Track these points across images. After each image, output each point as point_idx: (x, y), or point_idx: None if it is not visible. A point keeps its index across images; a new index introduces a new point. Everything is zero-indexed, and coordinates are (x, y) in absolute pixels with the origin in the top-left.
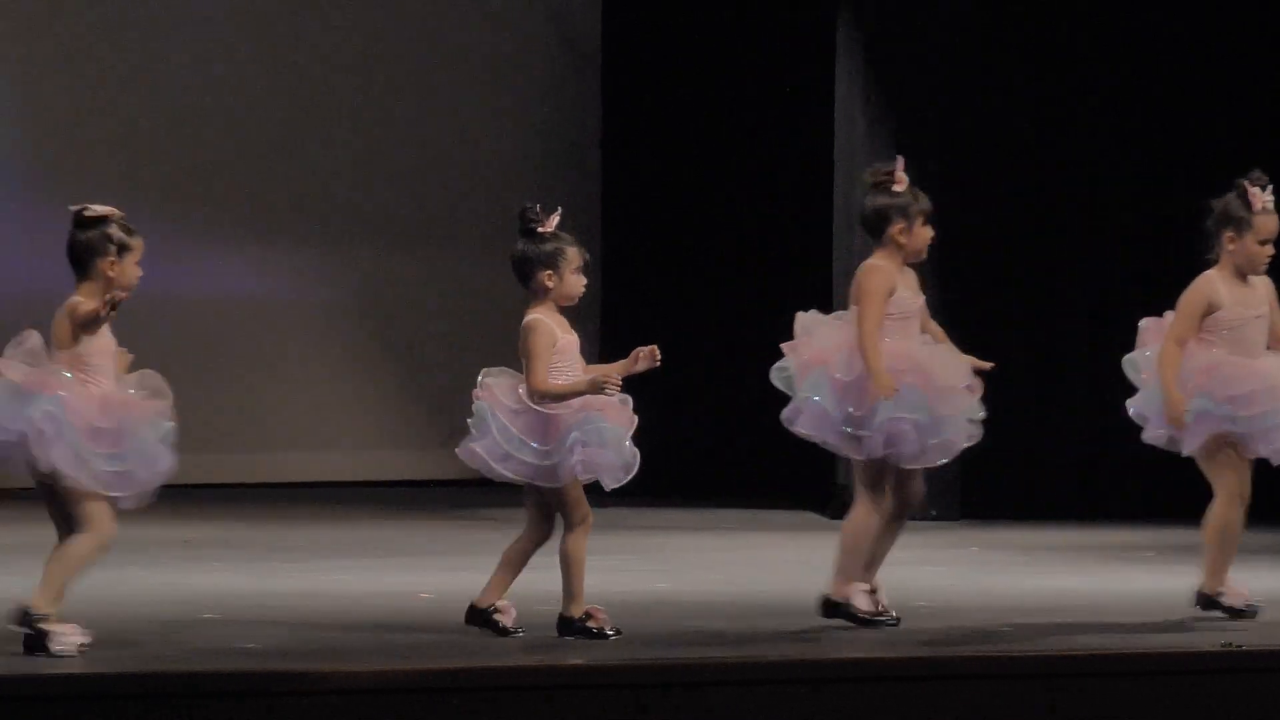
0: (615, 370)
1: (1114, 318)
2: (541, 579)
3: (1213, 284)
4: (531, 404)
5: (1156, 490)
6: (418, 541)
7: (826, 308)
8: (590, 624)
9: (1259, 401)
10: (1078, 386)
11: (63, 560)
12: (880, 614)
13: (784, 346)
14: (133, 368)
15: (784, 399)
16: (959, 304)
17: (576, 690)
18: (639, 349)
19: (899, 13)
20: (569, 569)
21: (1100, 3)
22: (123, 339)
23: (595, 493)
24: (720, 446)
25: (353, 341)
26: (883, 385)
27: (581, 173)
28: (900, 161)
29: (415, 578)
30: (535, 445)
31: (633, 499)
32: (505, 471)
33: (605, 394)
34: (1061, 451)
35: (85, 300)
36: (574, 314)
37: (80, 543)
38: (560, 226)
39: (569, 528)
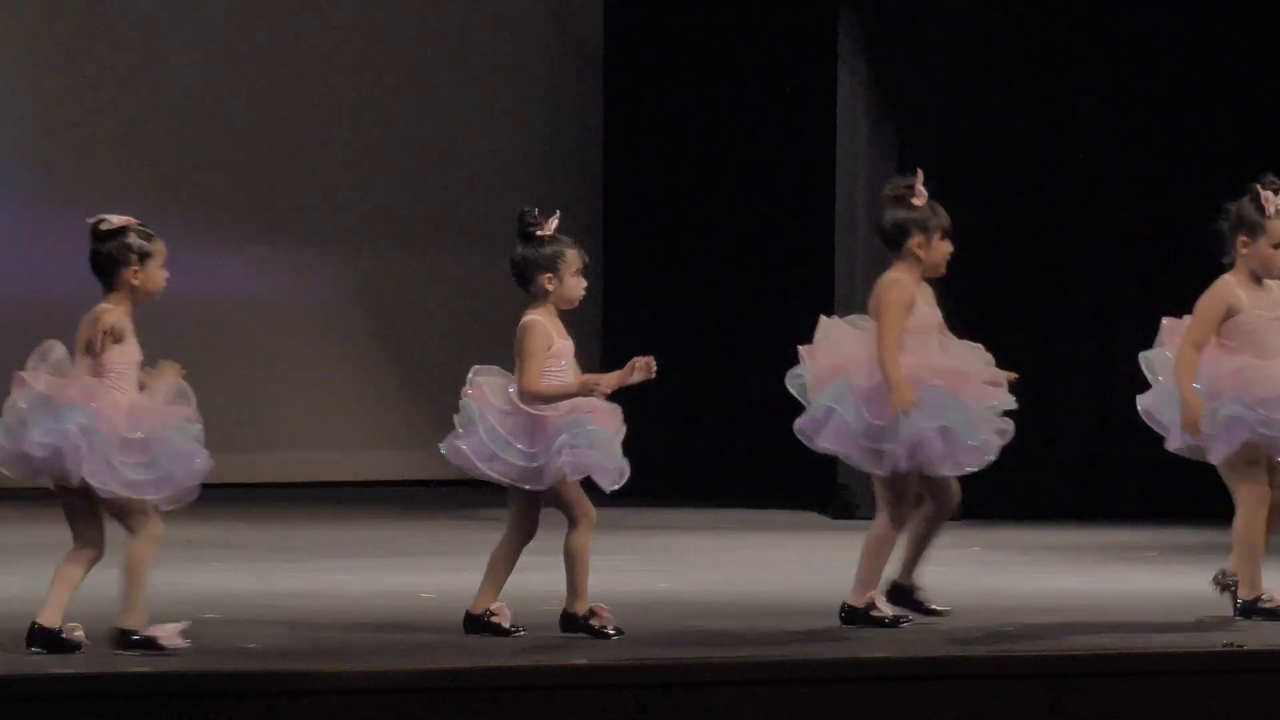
0: (609, 379)
1: (1115, 318)
2: (541, 579)
3: (1230, 288)
4: (521, 405)
5: (1156, 490)
6: (418, 541)
7: (827, 308)
8: (593, 621)
9: None
10: (1078, 386)
11: (133, 574)
12: (902, 617)
13: (802, 350)
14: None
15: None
16: (959, 304)
17: (577, 690)
18: (635, 359)
19: (900, 13)
20: (573, 566)
21: (1100, 3)
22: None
23: (595, 493)
24: (720, 446)
25: (353, 341)
26: (902, 399)
27: (582, 173)
28: (919, 175)
29: (415, 578)
30: (522, 447)
31: (633, 499)
32: (490, 472)
33: (595, 394)
34: (1061, 451)
35: (111, 309)
36: (574, 314)
37: (136, 549)
38: (560, 228)
39: (572, 525)
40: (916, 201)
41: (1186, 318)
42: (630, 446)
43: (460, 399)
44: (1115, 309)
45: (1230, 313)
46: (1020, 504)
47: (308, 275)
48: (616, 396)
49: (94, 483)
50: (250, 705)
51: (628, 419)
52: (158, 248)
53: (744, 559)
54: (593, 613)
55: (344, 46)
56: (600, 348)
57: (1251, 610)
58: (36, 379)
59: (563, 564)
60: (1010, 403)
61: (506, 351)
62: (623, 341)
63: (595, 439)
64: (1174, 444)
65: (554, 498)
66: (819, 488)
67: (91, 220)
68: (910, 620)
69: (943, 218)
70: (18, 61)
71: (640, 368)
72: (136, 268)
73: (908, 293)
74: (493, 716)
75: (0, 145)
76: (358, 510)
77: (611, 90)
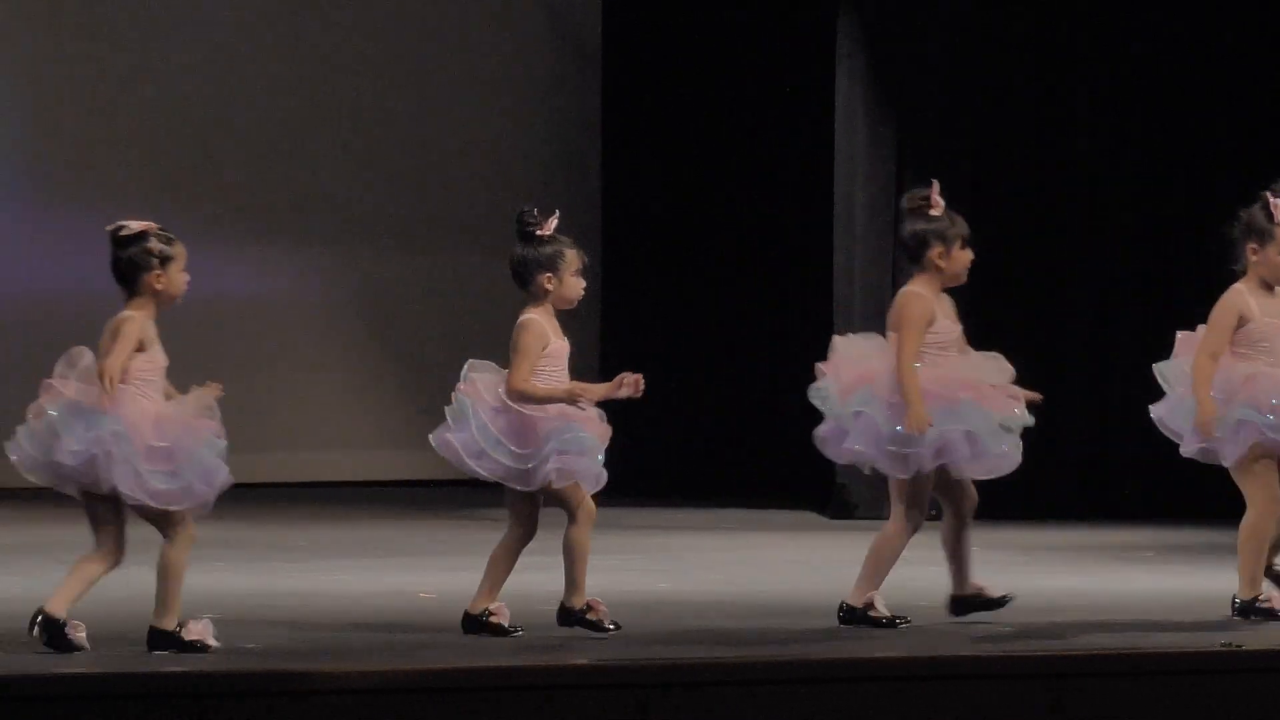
0: (596, 390)
1: (1115, 318)
2: (541, 579)
3: (1242, 296)
4: (508, 401)
5: (1156, 490)
6: (418, 541)
7: (826, 308)
8: (590, 615)
9: None
10: (1078, 387)
11: (168, 576)
12: (900, 618)
13: (820, 367)
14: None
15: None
16: (959, 304)
17: (576, 690)
18: (624, 375)
19: (899, 13)
20: (571, 559)
21: (1100, 3)
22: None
23: (596, 492)
24: (720, 446)
25: (353, 341)
26: (917, 418)
27: (582, 173)
28: (935, 186)
29: (415, 578)
30: (512, 447)
31: (633, 499)
32: (478, 468)
33: (579, 406)
34: (1061, 451)
35: (133, 317)
36: (573, 313)
37: (171, 553)
38: (559, 228)
39: (571, 520)
40: (934, 212)
41: (1201, 328)
42: (630, 447)
43: (454, 393)
44: (1115, 309)
45: (1242, 321)
46: (1020, 504)
47: (308, 275)
48: (605, 403)
49: (122, 490)
50: (250, 705)
51: (627, 419)
52: (178, 251)
53: (744, 559)
54: (589, 607)
55: (344, 46)
56: (598, 348)
57: (1250, 610)
58: (66, 387)
59: (560, 563)
60: (1027, 420)
61: (506, 351)
62: (621, 342)
63: (585, 445)
64: (1188, 449)
65: (552, 495)
66: (818, 488)
67: (111, 227)
68: (908, 622)
69: (961, 226)
70: (18, 61)
71: (629, 384)
72: (158, 272)
73: (928, 307)
74: (493, 716)
75: (0, 145)
76: (358, 510)
77: (610, 90)
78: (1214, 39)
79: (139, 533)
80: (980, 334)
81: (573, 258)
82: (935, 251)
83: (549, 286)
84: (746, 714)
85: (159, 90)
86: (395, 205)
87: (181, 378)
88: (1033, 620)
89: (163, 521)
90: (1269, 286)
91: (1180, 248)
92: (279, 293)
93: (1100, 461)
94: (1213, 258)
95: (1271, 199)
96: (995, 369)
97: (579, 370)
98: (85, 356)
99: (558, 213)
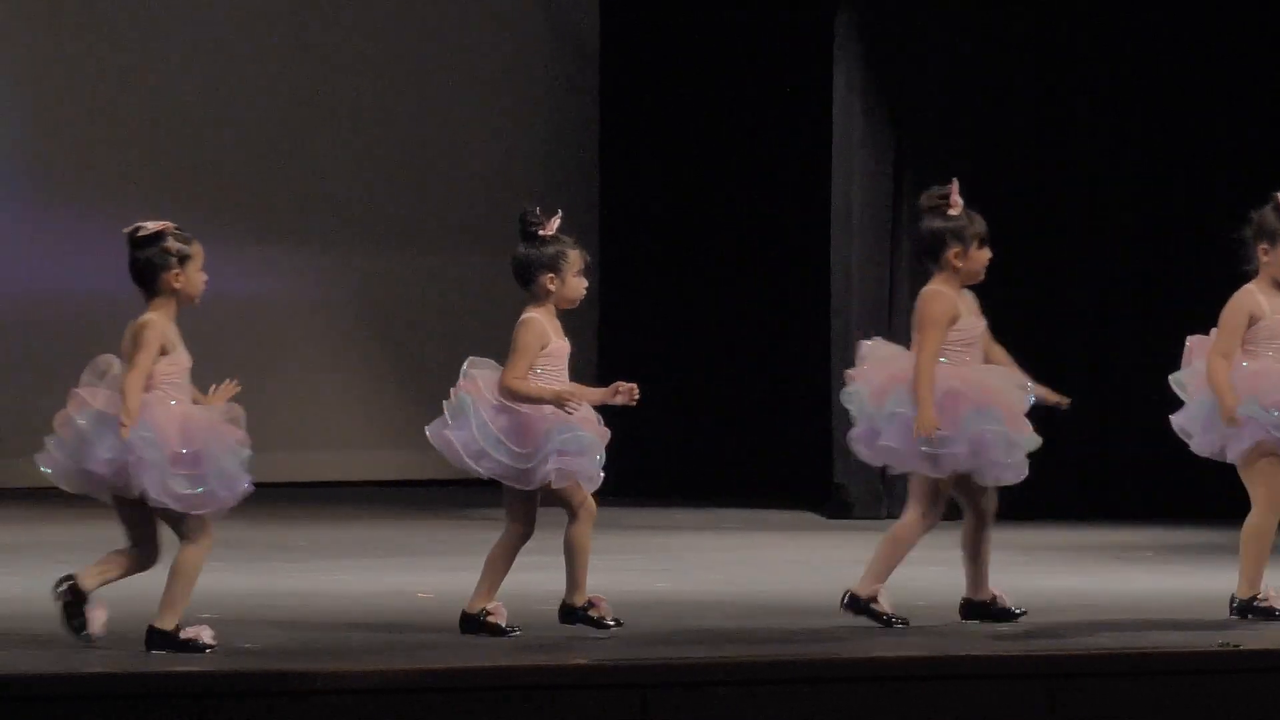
0: (591, 395)
1: (1114, 318)
2: (540, 578)
3: (1252, 296)
4: (501, 398)
5: (1156, 490)
6: (418, 541)
7: (824, 307)
8: (592, 612)
9: None
10: (1078, 387)
11: (181, 577)
12: (900, 618)
13: (850, 373)
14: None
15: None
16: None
17: (577, 690)
18: (619, 383)
19: (897, 12)
20: (572, 557)
21: (1100, 3)
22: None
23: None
24: (720, 446)
25: (353, 341)
26: (926, 421)
27: (580, 172)
28: (954, 184)
29: (415, 578)
30: (513, 447)
31: (633, 499)
32: (477, 468)
33: (565, 410)
34: (1061, 451)
35: (154, 321)
36: (571, 312)
37: (189, 555)
38: (561, 228)
39: (572, 518)
40: (952, 211)
41: (1213, 331)
42: (630, 447)
43: (453, 389)
44: (1115, 309)
45: (1252, 320)
46: (1020, 504)
47: (308, 275)
48: (600, 407)
49: (149, 493)
50: (250, 705)
51: (626, 419)
52: (196, 250)
53: (744, 559)
54: (591, 604)
55: (344, 46)
56: (596, 348)
57: (1248, 609)
58: (94, 396)
59: (559, 563)
60: (1037, 442)
61: (506, 350)
62: (619, 341)
63: (584, 445)
64: (1198, 445)
65: (551, 494)
66: (816, 488)
67: (128, 229)
68: (906, 624)
69: (979, 225)
70: (18, 61)
71: (624, 392)
72: (177, 271)
73: (950, 307)
74: (493, 716)
75: (0, 145)
76: (357, 510)
77: (609, 90)
78: (1214, 39)
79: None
80: None
81: (575, 258)
82: (953, 251)
83: (551, 286)
84: (746, 714)
85: (159, 90)
86: (395, 205)
87: None
88: (1033, 620)
89: (182, 524)
90: (1279, 286)
91: (1180, 248)
92: (279, 293)
93: (1100, 461)
94: (1214, 258)
95: None
96: (1016, 387)
97: (576, 370)
98: (113, 365)
99: (560, 212)
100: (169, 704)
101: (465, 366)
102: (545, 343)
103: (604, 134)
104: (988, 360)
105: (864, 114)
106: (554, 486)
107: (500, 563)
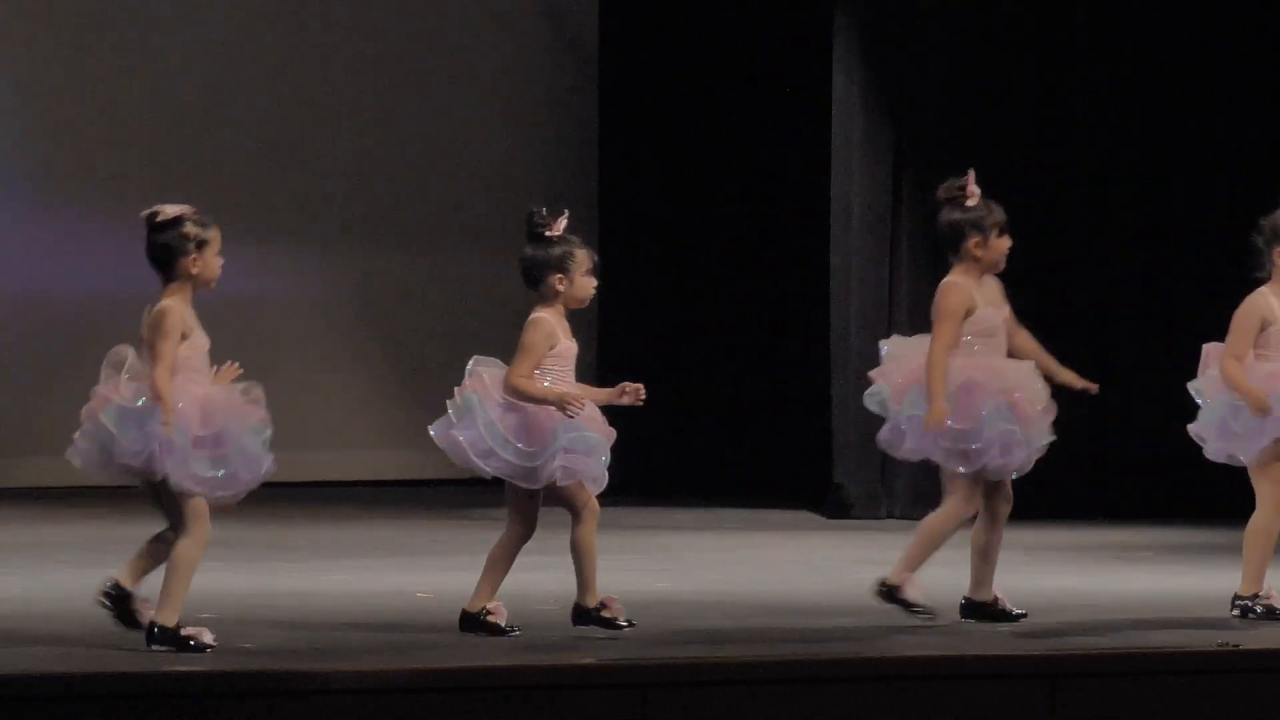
0: (597, 396)
1: (1114, 318)
2: (540, 578)
3: (1265, 299)
4: (506, 395)
5: (1156, 490)
6: (418, 541)
7: (823, 307)
8: (605, 613)
9: None
10: None
11: (177, 571)
12: (927, 609)
13: (873, 374)
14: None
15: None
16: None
17: (577, 690)
18: (626, 384)
19: (898, 12)
20: (580, 559)
21: (1100, 3)
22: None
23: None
24: (720, 446)
25: (352, 341)
26: (936, 413)
27: (580, 173)
28: (971, 175)
29: (415, 578)
30: (520, 446)
31: (633, 499)
32: (485, 466)
33: (566, 414)
34: (1062, 451)
35: (172, 308)
36: (571, 313)
37: (184, 549)
38: (568, 228)
39: (576, 519)
40: (970, 202)
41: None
42: (630, 447)
43: (458, 388)
44: (1115, 309)
45: (1265, 324)
46: (1019, 504)
47: (307, 275)
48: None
49: (171, 477)
50: (250, 705)
51: (626, 419)
52: (214, 235)
53: (744, 559)
54: (603, 605)
55: (344, 46)
56: (597, 347)
57: (1249, 608)
58: (113, 390)
59: (558, 563)
60: (1048, 436)
61: (507, 351)
62: (619, 342)
63: (591, 445)
64: (1211, 451)
65: (556, 494)
66: (815, 487)
67: (146, 212)
68: (933, 617)
69: (998, 214)
70: (18, 61)
71: (630, 392)
72: (195, 255)
73: (966, 298)
74: (493, 716)
75: (0, 145)
76: (357, 510)
77: (608, 90)
78: (1214, 39)
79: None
80: None
81: (583, 257)
82: (973, 241)
83: (560, 287)
84: (746, 714)
85: (159, 90)
86: (395, 205)
87: None
88: (1033, 620)
89: (185, 516)
90: None
91: (1180, 248)
92: (279, 293)
93: (1100, 461)
94: (1214, 258)
95: None
96: (1036, 382)
97: (577, 370)
98: (128, 355)
99: (567, 212)
100: (169, 704)
101: (470, 365)
102: (554, 343)
103: (604, 134)
104: (1013, 348)
105: (864, 113)
106: (559, 484)
107: (501, 562)
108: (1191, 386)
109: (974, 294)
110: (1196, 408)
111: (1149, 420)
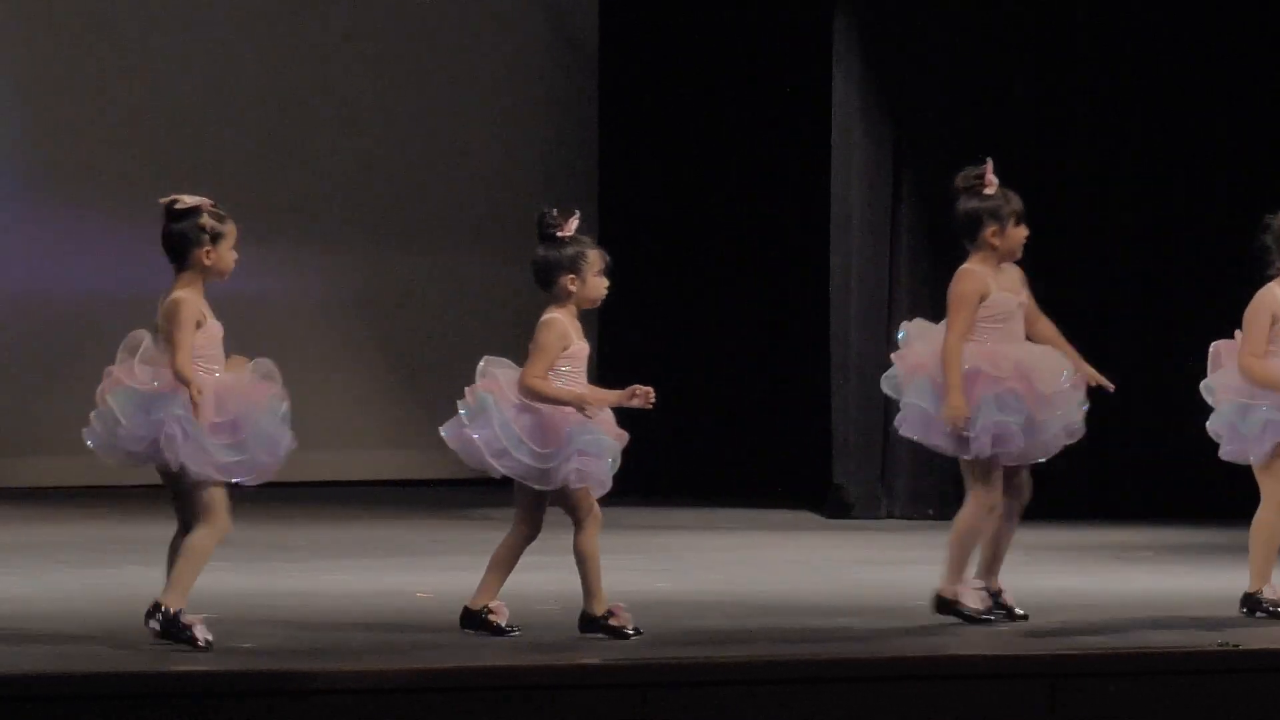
0: (607, 398)
1: (1114, 318)
2: (541, 579)
3: (1274, 295)
4: (521, 396)
5: (1156, 490)
6: (418, 541)
7: (823, 307)
8: (613, 621)
9: None
10: None
11: (188, 558)
12: (989, 613)
13: (893, 356)
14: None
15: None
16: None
17: (577, 690)
18: (636, 386)
19: (898, 12)
20: (585, 566)
21: (1100, 3)
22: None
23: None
24: (720, 446)
25: (352, 341)
26: (955, 407)
27: (580, 173)
28: (989, 164)
29: (415, 578)
30: (534, 447)
31: (633, 499)
32: (499, 466)
33: (585, 414)
34: (1062, 451)
35: (186, 299)
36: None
37: (201, 537)
38: (578, 229)
39: (579, 526)
40: (988, 190)
41: (1238, 334)
42: (630, 447)
43: (469, 389)
44: (1114, 309)
45: (1275, 319)
46: None
47: (307, 275)
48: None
49: (192, 467)
50: (250, 705)
51: (626, 419)
52: (229, 229)
53: (744, 559)
54: (611, 613)
55: (344, 47)
56: (596, 348)
57: (1256, 605)
58: (126, 373)
59: (559, 563)
60: (1083, 408)
61: (507, 351)
62: (619, 342)
63: (603, 448)
64: (1225, 451)
65: (561, 498)
66: (815, 487)
67: (165, 200)
68: (993, 619)
69: (1015, 202)
70: (18, 61)
71: (640, 395)
72: (209, 248)
73: (979, 285)
74: (493, 716)
75: (0, 145)
76: (358, 510)
77: (608, 90)
78: (1214, 39)
79: (133, 533)
80: None
81: (595, 258)
82: (990, 230)
83: (572, 287)
84: (746, 714)
85: (159, 90)
86: (395, 205)
87: None
88: (1033, 620)
89: (202, 507)
90: None
91: (1180, 248)
92: (279, 293)
93: (1100, 461)
94: (1213, 258)
95: None
96: (1052, 365)
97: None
98: (144, 340)
99: (578, 213)
100: (169, 704)
101: (482, 365)
102: (567, 344)
103: (604, 134)
104: (1034, 336)
105: (863, 113)
106: (573, 487)
107: (505, 562)
108: (1203, 386)
109: (989, 280)
110: (1196, 407)
111: (1149, 420)
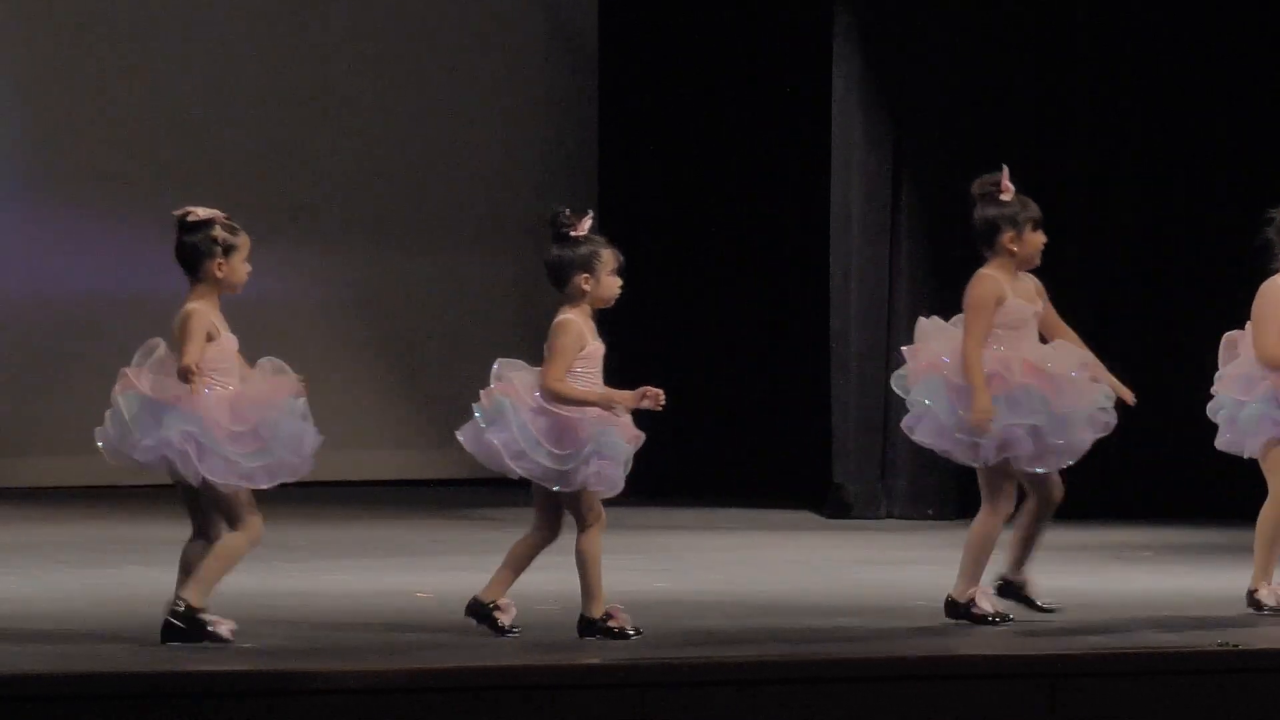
0: (626, 399)
1: (1114, 317)
2: (541, 579)
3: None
4: (543, 400)
5: (1156, 490)
6: (418, 541)
7: (823, 307)
8: (611, 624)
9: None
10: None
11: (219, 556)
12: (1000, 616)
13: (904, 350)
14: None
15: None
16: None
17: (577, 690)
18: (646, 388)
19: (898, 12)
20: (586, 568)
21: (1100, 3)
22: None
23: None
24: (720, 446)
25: (352, 341)
26: (980, 408)
27: (580, 173)
28: (1005, 171)
29: (415, 578)
30: (552, 449)
31: (634, 499)
32: (517, 468)
33: (614, 412)
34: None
35: (199, 311)
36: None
37: (235, 541)
38: (591, 228)
39: (583, 528)
40: (1005, 197)
41: (1249, 325)
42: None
43: (484, 392)
44: (1115, 309)
45: None
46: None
47: (307, 275)
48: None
49: (216, 479)
50: (250, 705)
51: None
52: (242, 241)
53: (744, 559)
54: (609, 615)
55: (344, 46)
56: None
57: (1253, 601)
58: (140, 378)
59: (559, 563)
60: (1108, 399)
61: (507, 351)
62: (621, 342)
63: (620, 452)
64: (1221, 442)
65: (568, 499)
66: (815, 487)
67: (178, 212)
68: (1012, 619)
69: (1032, 209)
70: (17, 61)
71: (651, 397)
72: (221, 260)
73: (995, 289)
74: (493, 716)
75: (0, 145)
76: (358, 510)
77: (608, 90)
78: (1214, 39)
79: (133, 533)
80: None
81: (609, 257)
82: (1007, 236)
83: (586, 287)
84: (746, 714)
85: (159, 90)
86: (395, 205)
87: None
88: (1032, 620)
89: (233, 513)
90: None
91: (1180, 247)
92: (279, 293)
93: (1101, 461)
94: (1213, 258)
95: None
96: (1071, 357)
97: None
98: (159, 346)
99: (591, 212)
100: (169, 704)
101: (497, 368)
102: (583, 344)
103: (604, 134)
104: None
105: (863, 113)
106: (590, 489)
107: (521, 560)
108: (1217, 377)
109: (1004, 285)
110: (1197, 407)
111: (1149, 420)
